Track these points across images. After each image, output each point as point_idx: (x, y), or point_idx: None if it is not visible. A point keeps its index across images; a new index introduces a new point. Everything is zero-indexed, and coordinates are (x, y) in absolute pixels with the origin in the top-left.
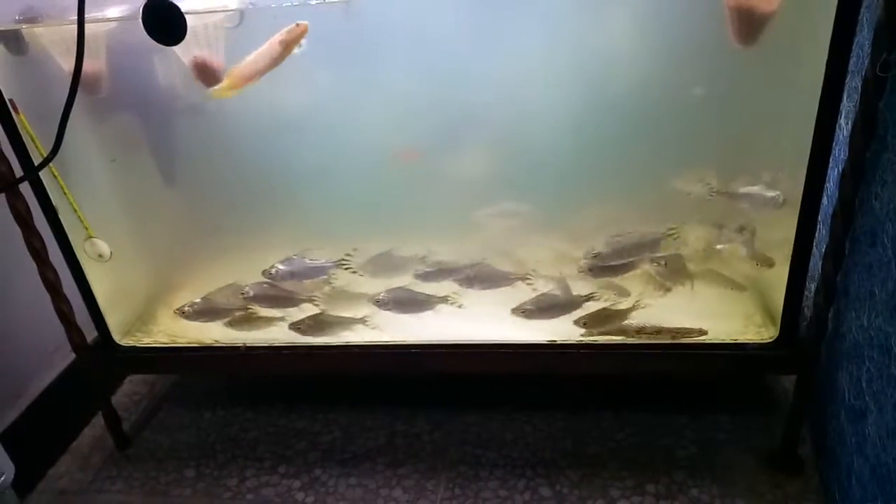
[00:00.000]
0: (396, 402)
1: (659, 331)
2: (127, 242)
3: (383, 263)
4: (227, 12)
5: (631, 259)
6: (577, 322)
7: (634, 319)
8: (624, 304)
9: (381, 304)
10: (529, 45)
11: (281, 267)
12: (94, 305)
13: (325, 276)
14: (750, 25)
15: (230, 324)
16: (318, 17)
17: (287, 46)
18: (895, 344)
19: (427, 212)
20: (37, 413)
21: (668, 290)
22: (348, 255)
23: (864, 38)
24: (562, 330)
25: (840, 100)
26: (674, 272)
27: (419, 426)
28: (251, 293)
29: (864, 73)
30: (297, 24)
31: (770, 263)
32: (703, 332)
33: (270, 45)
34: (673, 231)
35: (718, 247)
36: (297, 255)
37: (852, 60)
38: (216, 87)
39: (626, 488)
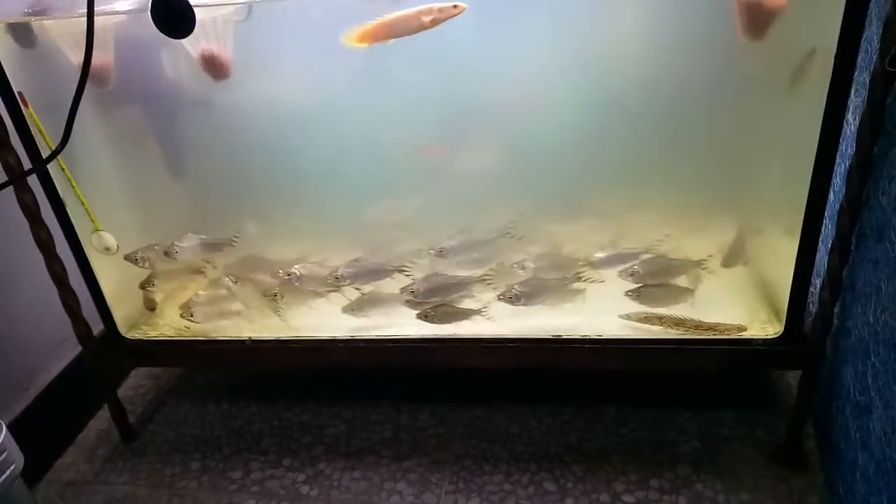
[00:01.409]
0: (401, 396)
1: (698, 325)
2: (134, 236)
3: (251, 265)
4: (236, 5)
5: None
6: (419, 316)
7: (674, 312)
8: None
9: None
10: (536, 44)
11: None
12: (101, 298)
13: (221, 252)
14: (758, 20)
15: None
16: (322, 13)
17: (434, 22)
18: None
19: (437, 208)
20: (44, 405)
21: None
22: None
23: (872, 33)
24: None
25: (848, 95)
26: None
27: (424, 420)
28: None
29: (872, 68)
30: (456, 6)
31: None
32: (742, 329)
33: (417, 14)
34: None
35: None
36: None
37: (860, 55)
38: (350, 33)
39: (630, 483)
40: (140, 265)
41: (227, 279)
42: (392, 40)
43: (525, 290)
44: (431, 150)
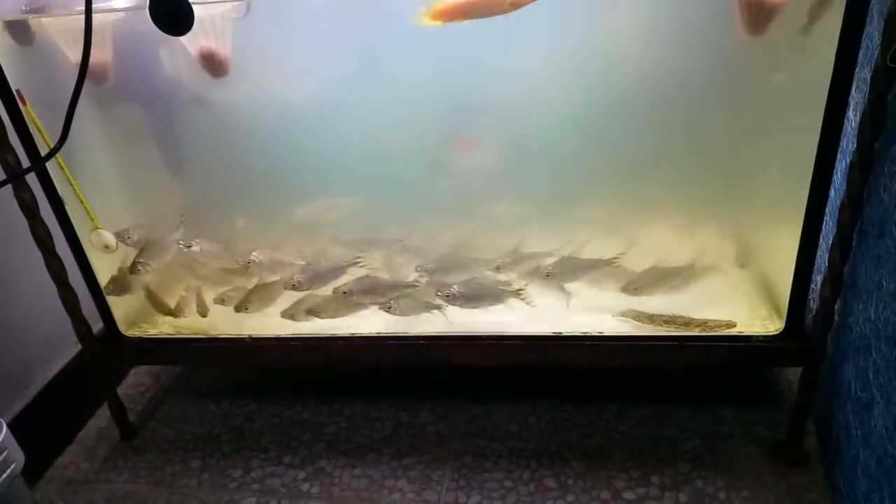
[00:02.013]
0: (401, 393)
1: (688, 322)
2: (133, 234)
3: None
4: (235, 2)
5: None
6: (381, 307)
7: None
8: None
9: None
10: (535, 43)
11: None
12: (100, 296)
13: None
14: (759, 17)
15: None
16: (320, 9)
17: (515, 5)
18: None
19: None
20: (44, 403)
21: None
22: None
23: (873, 29)
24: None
25: (849, 91)
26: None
27: (424, 417)
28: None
29: (873, 64)
30: None
31: None
32: (731, 325)
33: None
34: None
35: None
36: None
37: (861, 51)
38: (425, 10)
39: (630, 480)
40: (128, 244)
41: (180, 244)
42: (467, 20)
43: (463, 290)
44: (463, 145)
